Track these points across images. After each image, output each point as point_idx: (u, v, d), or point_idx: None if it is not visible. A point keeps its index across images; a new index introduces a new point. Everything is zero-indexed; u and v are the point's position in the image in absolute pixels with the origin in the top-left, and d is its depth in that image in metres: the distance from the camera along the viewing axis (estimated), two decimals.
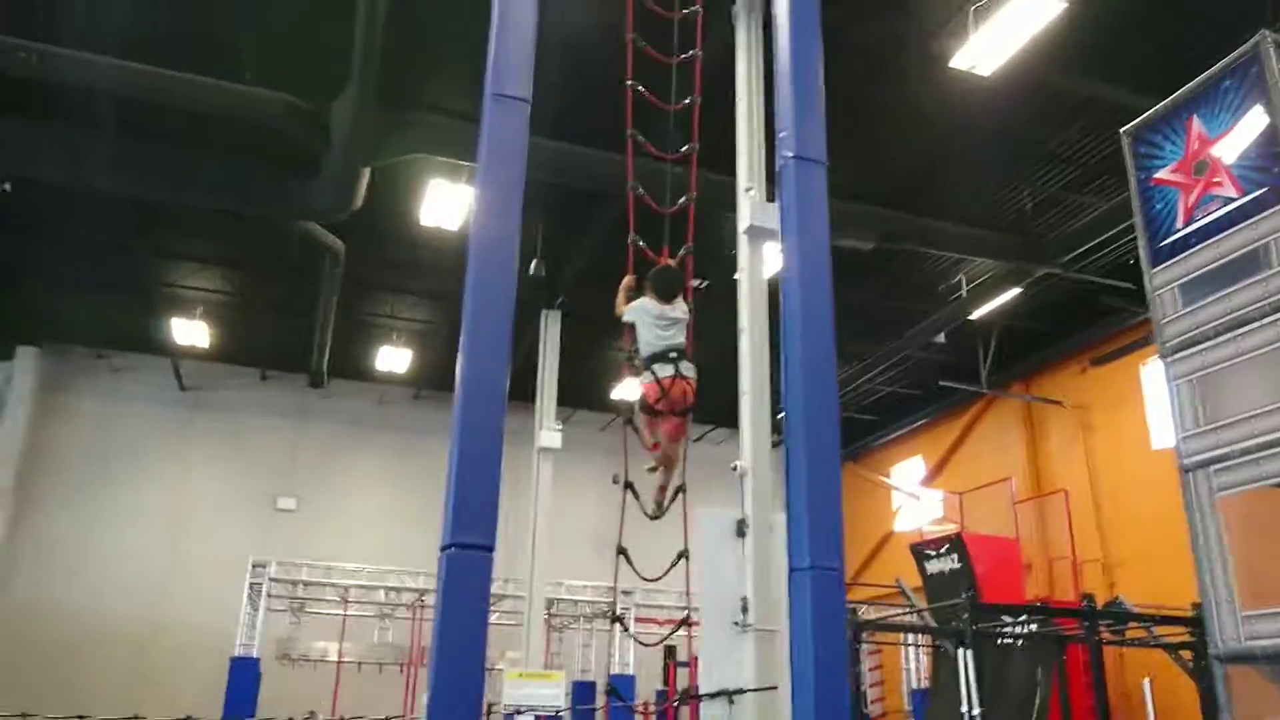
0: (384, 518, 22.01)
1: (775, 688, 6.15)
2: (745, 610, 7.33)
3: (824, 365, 5.53)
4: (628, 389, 6.22)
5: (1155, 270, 7.78)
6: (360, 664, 18.59)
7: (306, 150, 11.88)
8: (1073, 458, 18.71)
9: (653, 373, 5.57)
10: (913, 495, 23.62)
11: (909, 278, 17.31)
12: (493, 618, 20.53)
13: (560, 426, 17.06)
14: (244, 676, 16.16)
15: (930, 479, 22.95)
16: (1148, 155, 8.01)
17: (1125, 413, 17.98)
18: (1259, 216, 6.96)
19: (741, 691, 6.20)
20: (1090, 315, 17.95)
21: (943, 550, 17.17)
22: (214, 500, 21.37)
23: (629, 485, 5.70)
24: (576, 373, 18.81)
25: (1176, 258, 7.58)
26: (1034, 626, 12.63)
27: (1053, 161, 13.82)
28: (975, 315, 17.28)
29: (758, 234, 9.76)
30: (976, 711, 9.85)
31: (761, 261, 10.12)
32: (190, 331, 18.86)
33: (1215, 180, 7.33)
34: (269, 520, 21.57)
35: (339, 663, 18.31)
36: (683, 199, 6.28)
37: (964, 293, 17.55)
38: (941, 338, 17.57)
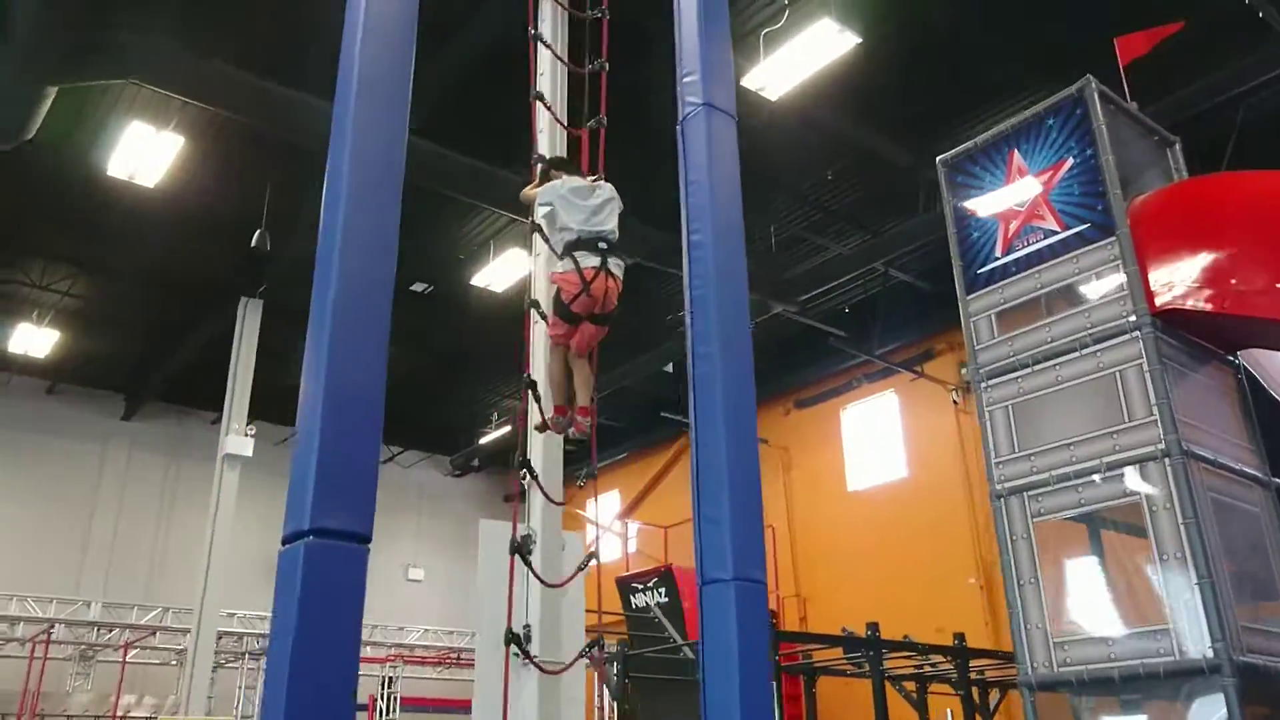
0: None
1: None
2: (528, 640, 6.28)
3: (740, 335, 4.73)
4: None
5: (970, 297, 7.81)
6: None
7: None
8: (772, 495, 19.32)
9: (574, 260, 4.39)
10: (608, 530, 23.38)
11: (641, 304, 17.07)
12: (131, 654, 17.34)
13: (253, 433, 14.77)
14: None
15: (627, 513, 22.82)
16: (965, 185, 8.09)
17: (824, 455, 18.90)
18: (1081, 250, 7.15)
19: None
20: (801, 358, 18.73)
21: (650, 583, 16.89)
22: None
23: (525, 465, 4.44)
24: (270, 380, 16.51)
25: (994, 285, 7.65)
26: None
27: (803, 201, 14.16)
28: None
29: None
30: None
31: None
32: None
33: (1037, 213, 7.49)
34: None
35: None
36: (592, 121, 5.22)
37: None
38: (670, 368, 17.46)
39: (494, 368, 19.86)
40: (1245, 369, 7.39)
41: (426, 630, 17.24)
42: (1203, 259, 6.65)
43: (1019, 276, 7.51)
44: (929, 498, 16.76)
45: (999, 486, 7.23)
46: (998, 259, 7.69)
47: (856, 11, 10.46)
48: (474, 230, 14.83)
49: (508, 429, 21.93)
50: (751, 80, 10.97)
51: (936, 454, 16.92)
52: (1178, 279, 6.67)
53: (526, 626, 6.20)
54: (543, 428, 4.54)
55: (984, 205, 7.89)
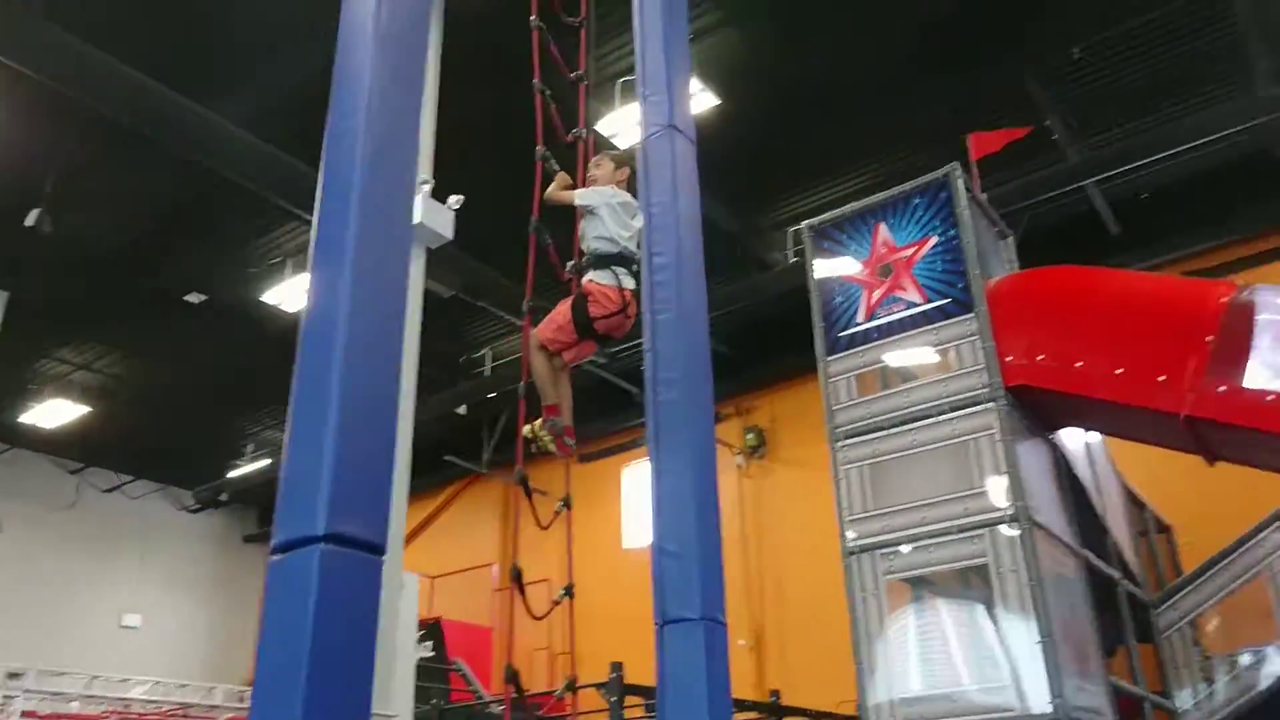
0: None
1: None
2: None
3: (702, 361, 4.54)
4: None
5: (831, 359, 8.07)
6: None
7: None
8: (549, 549, 18.93)
9: (615, 275, 3.99)
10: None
11: (440, 340, 16.41)
12: None
13: None
14: None
15: None
16: (830, 250, 8.42)
17: (603, 511, 18.84)
18: (942, 323, 7.60)
19: None
20: (590, 411, 18.66)
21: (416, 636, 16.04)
22: None
23: (524, 481, 3.94)
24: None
25: (855, 349, 7.96)
26: None
27: None
28: (493, 394, 16.97)
29: (425, 234, 8.38)
30: None
31: (421, 265, 8.68)
32: None
33: (900, 284, 7.90)
34: None
35: None
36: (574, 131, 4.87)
37: (487, 369, 17.23)
38: (464, 409, 16.86)
39: (264, 394, 18.32)
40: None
41: (157, 684, 15.31)
42: (1053, 342, 7.26)
43: (880, 342, 7.86)
44: None
45: (851, 544, 7.42)
46: (859, 324, 8.02)
47: (719, 73, 10.77)
48: (275, 241, 13.71)
49: (266, 462, 20.26)
50: (604, 126, 10.98)
51: None
52: (1029, 357, 7.23)
53: None
54: (533, 436, 4.10)
55: (848, 271, 8.23)
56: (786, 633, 16.14)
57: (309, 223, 12.75)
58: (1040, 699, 6.32)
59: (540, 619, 3.64)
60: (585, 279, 4.03)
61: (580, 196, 4.06)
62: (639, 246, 4.14)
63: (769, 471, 17.36)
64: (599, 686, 7.73)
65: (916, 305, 7.77)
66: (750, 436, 17.59)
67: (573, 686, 3.93)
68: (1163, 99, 11.82)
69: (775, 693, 10.54)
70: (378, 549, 2.73)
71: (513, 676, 3.25)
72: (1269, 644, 8.80)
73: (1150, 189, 13.28)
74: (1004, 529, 6.80)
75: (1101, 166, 12.12)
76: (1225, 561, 9.16)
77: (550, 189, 4.18)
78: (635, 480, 18.89)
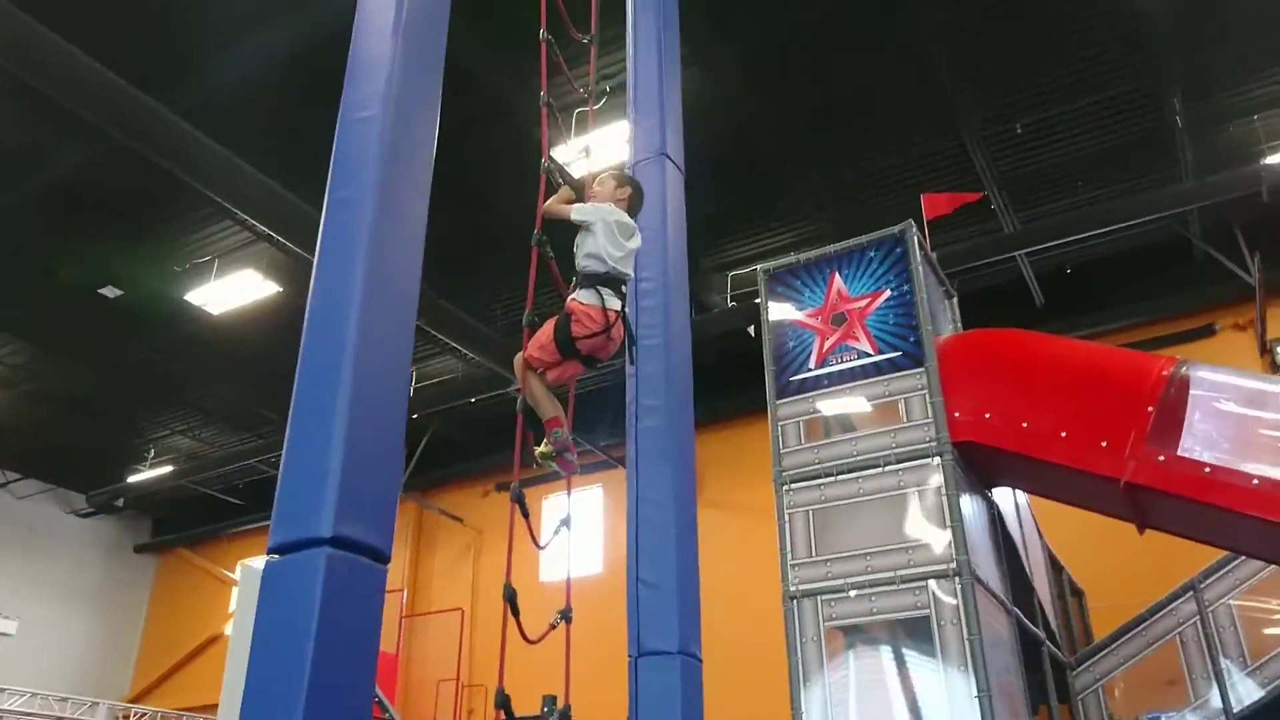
0: None
1: None
2: None
3: (686, 387, 4.51)
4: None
5: (780, 402, 8.10)
6: None
7: None
8: (459, 577, 18.56)
9: (600, 294, 3.86)
10: None
11: None
12: None
13: None
14: None
15: None
16: (785, 295, 8.49)
17: (520, 543, 18.47)
18: (893, 375, 7.70)
19: None
20: (511, 439, 18.34)
21: None
22: None
23: (520, 499, 3.75)
24: None
25: (805, 394, 8.00)
26: None
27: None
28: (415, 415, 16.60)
29: None
30: None
31: None
32: None
33: (853, 334, 8.00)
34: None
35: None
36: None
37: (410, 389, 16.85)
38: None
39: (174, 398, 17.60)
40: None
41: (34, 695, 14.33)
42: (1001, 401, 7.42)
43: (831, 389, 7.92)
44: (621, 595, 16.86)
45: (793, 589, 7.40)
46: (811, 370, 8.08)
47: None
48: (207, 239, 13.22)
49: (168, 469, 19.41)
50: (560, 153, 10.92)
51: None
52: (977, 415, 7.37)
53: None
54: (544, 457, 3.95)
55: (803, 318, 8.30)
56: (716, 677, 16.00)
57: (245, 222, 12.49)
58: None
59: (534, 643, 3.47)
60: (569, 298, 3.94)
61: (578, 211, 3.96)
62: (631, 269, 4.07)
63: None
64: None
65: (868, 356, 7.86)
66: None
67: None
68: (1095, 180, 12.34)
69: None
70: (383, 557, 2.59)
71: (504, 702, 3.09)
72: (1173, 710, 9.09)
73: (1075, 264, 13.84)
74: (946, 582, 6.86)
75: (1035, 238, 12.59)
76: (1140, 628, 9.45)
77: (551, 200, 4.09)
78: (556, 512, 18.63)
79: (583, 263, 3.93)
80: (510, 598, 3.20)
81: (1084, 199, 12.54)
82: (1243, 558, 9.23)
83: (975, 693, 6.49)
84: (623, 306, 3.89)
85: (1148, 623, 9.48)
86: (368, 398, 2.70)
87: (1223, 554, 9.17)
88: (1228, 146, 11.62)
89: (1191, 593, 9.30)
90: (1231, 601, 9.15)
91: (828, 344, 8.10)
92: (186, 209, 12.35)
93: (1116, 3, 9.92)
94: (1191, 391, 7.12)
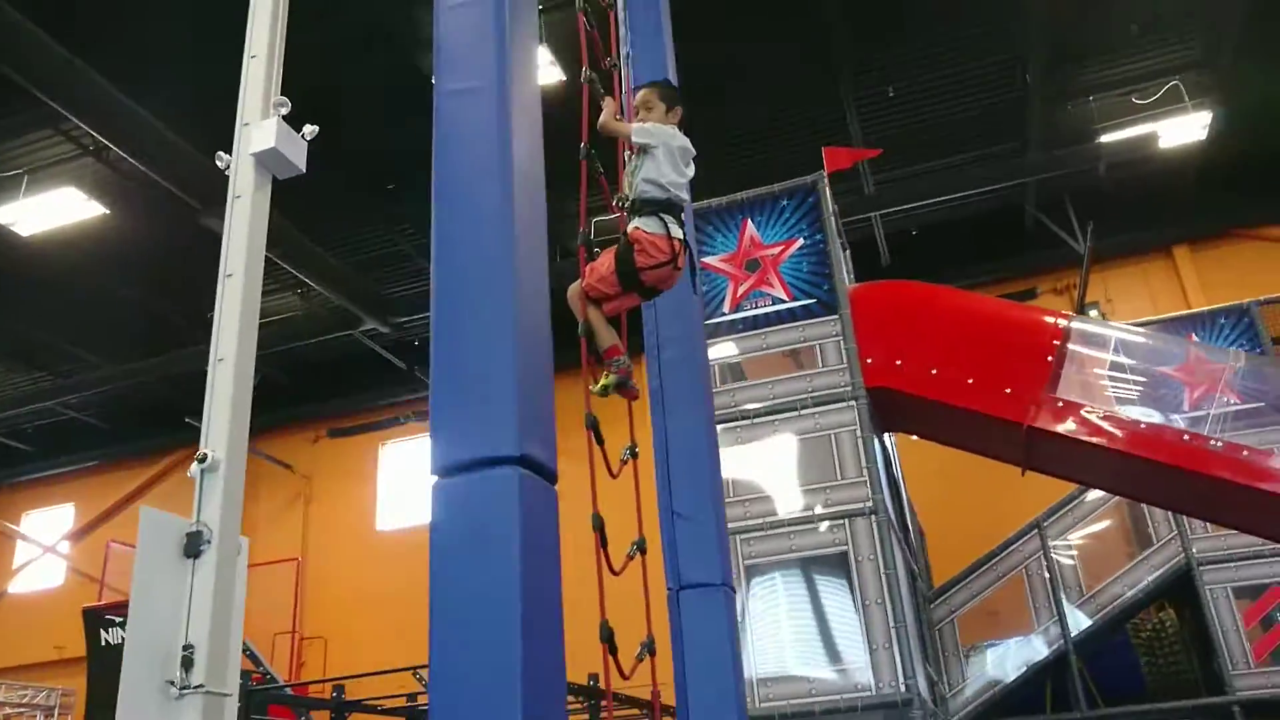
0: None
1: None
2: (189, 665, 5.06)
3: (697, 320, 4.43)
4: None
5: None
6: None
7: None
8: (288, 525, 17.62)
9: (665, 223, 3.57)
10: (54, 551, 19.26)
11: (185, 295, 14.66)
12: None
13: None
14: None
15: (85, 532, 19.08)
16: (698, 238, 8.47)
17: (354, 490, 17.79)
18: (808, 322, 7.89)
19: None
20: (348, 383, 17.56)
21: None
22: None
23: (595, 426, 3.41)
24: None
25: (719, 338, 8.06)
26: None
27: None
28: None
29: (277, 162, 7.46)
30: None
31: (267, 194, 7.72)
32: None
33: (767, 280, 8.11)
34: None
35: None
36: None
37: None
38: None
39: None
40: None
41: None
42: (912, 349, 7.77)
43: (746, 334, 8.02)
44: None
45: None
46: (725, 314, 8.14)
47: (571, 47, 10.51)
48: (21, 149, 11.67)
49: None
50: None
51: None
52: (889, 361, 7.68)
53: (188, 648, 4.95)
54: (605, 388, 3.66)
55: (715, 262, 8.33)
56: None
57: (67, 134, 11.14)
58: (894, 681, 6.71)
59: (618, 574, 3.29)
60: (631, 226, 3.69)
61: (640, 133, 3.71)
62: (689, 196, 3.87)
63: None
64: None
65: (783, 302, 8.01)
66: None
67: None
68: (950, 147, 13.05)
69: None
70: (554, 477, 2.39)
71: (609, 636, 2.92)
72: (1017, 635, 9.98)
73: (919, 226, 14.64)
74: (863, 520, 7.16)
75: (891, 200, 13.21)
76: (990, 564, 10.26)
77: (604, 116, 3.81)
78: (394, 459, 18.01)
79: (641, 189, 3.69)
80: (599, 526, 3.02)
81: (938, 165, 13.24)
82: (1076, 502, 10.23)
83: (893, 624, 6.84)
84: (684, 234, 3.71)
85: (996, 559, 10.31)
86: (531, 310, 2.47)
87: (1059, 499, 10.17)
88: (1068, 124, 12.57)
89: (1035, 530, 10.20)
90: (1070, 539, 10.12)
91: (741, 289, 8.19)
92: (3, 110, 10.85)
93: None
94: (1068, 344, 7.74)
